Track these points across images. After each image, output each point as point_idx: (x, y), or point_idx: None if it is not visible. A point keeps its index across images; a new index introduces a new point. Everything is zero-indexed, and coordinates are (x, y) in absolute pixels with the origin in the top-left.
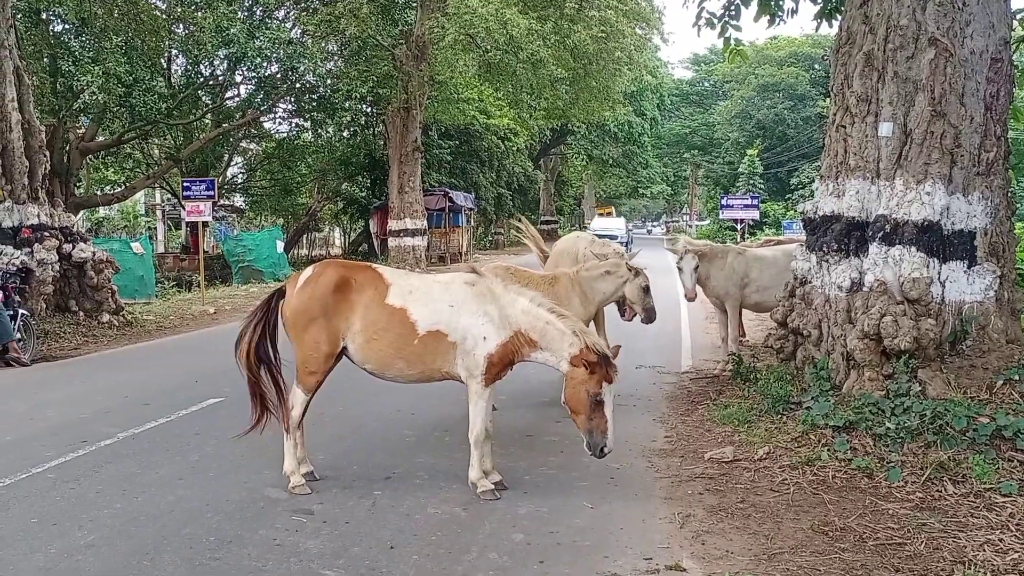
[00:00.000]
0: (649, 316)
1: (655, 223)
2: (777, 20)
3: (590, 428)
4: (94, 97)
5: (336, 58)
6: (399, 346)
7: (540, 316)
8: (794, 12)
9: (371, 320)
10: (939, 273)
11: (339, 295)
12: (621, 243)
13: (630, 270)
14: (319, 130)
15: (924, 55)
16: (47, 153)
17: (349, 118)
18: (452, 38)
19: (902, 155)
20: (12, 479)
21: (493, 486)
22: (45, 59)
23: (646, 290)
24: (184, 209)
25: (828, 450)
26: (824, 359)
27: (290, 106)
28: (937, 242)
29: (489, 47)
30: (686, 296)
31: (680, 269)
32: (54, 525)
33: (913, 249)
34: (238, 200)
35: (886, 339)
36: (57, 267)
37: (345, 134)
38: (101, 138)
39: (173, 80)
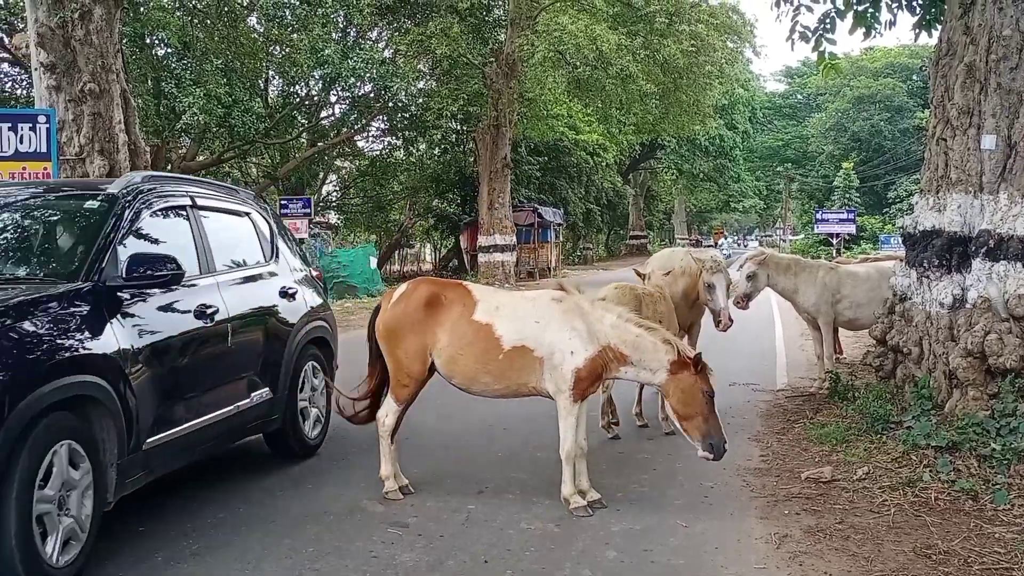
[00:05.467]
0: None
1: (748, 237)
2: (873, 33)
3: (708, 430)
4: (195, 118)
5: (427, 77)
6: (484, 361)
7: (629, 330)
8: (891, 24)
9: (457, 335)
10: None
11: (428, 311)
12: None
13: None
14: (411, 148)
15: None
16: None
17: (440, 136)
18: (542, 55)
19: (1006, 168)
20: None
21: (586, 503)
22: (149, 82)
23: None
24: None
25: (930, 471)
26: (925, 377)
27: (383, 125)
28: None
29: (579, 63)
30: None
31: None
32: (160, 533)
33: (1019, 265)
34: (332, 217)
35: (991, 357)
36: None
37: (436, 151)
38: (201, 157)
39: (270, 100)
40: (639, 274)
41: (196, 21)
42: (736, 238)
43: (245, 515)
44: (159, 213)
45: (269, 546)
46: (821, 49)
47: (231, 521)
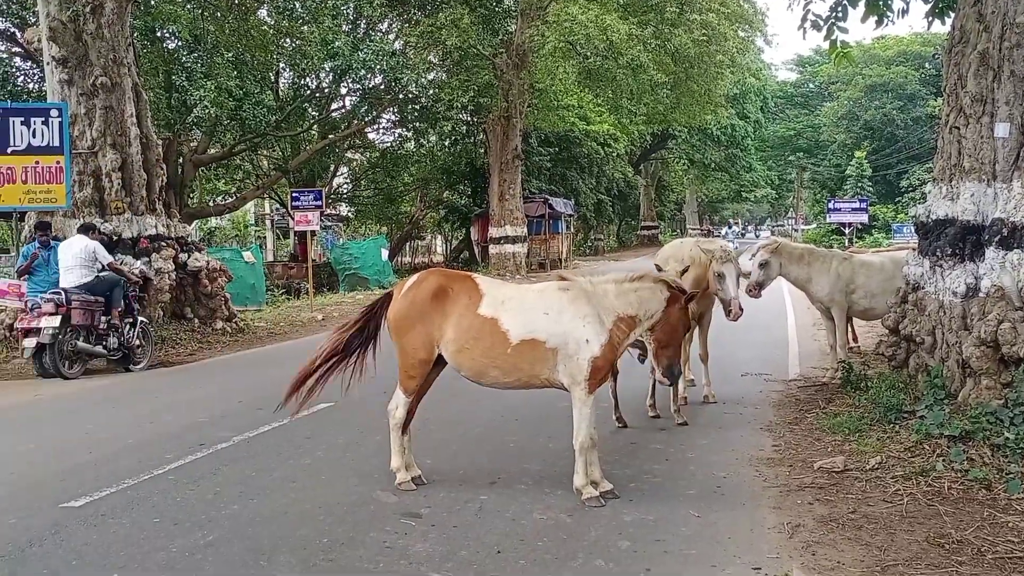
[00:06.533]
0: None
1: (760, 227)
2: (886, 21)
3: (675, 357)
4: (207, 111)
5: (438, 68)
6: (492, 355)
7: (627, 289)
8: (904, 12)
9: (463, 329)
10: None
11: (435, 303)
12: None
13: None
14: (421, 139)
15: None
16: (163, 166)
17: (451, 127)
18: (552, 46)
19: (1020, 156)
20: (135, 480)
21: (599, 494)
22: (160, 75)
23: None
24: (293, 219)
25: (943, 460)
26: (938, 367)
27: (393, 116)
28: None
29: (589, 53)
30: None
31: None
32: (175, 525)
33: None
34: (344, 209)
35: (1004, 346)
36: (173, 276)
37: (447, 143)
38: (213, 150)
39: (281, 93)
40: (657, 267)
41: (206, 14)
42: (740, 228)
43: (259, 505)
44: None
45: (283, 537)
46: (833, 38)
47: (245, 512)
